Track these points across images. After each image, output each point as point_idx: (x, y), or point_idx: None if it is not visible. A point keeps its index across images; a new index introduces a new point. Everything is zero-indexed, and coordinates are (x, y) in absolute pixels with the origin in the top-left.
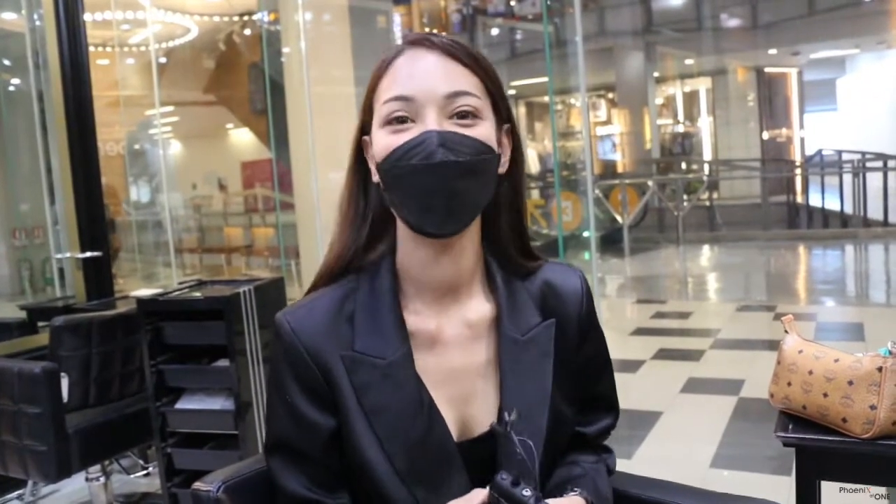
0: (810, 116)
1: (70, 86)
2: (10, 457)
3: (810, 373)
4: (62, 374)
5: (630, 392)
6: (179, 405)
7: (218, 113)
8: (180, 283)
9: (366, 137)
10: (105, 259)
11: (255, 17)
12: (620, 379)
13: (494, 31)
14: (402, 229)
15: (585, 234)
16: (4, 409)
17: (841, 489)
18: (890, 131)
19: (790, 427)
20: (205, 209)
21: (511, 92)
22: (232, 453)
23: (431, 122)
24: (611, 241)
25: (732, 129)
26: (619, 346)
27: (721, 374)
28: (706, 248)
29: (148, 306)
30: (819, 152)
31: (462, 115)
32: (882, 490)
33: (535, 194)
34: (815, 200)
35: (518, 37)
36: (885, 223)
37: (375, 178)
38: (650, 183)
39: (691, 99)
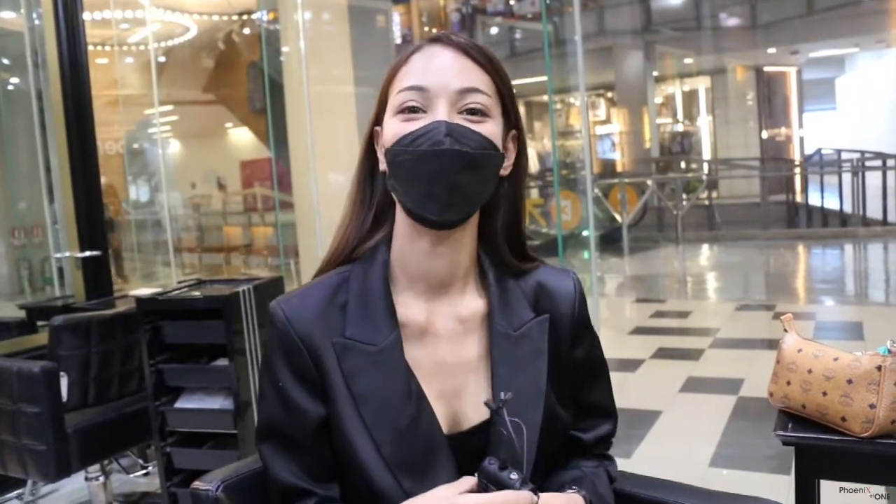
0: (809, 115)
1: (69, 85)
2: (10, 456)
3: (809, 372)
4: (61, 373)
5: (629, 391)
6: (178, 404)
7: (217, 112)
8: (179, 283)
9: (377, 128)
10: (104, 258)
11: (254, 17)
12: (619, 378)
13: (494, 30)
14: (401, 220)
15: (584, 233)
16: (3, 409)
17: (841, 489)
18: (889, 130)
19: (789, 426)
20: (204, 208)
21: None
22: (231, 452)
23: (441, 113)
24: (610, 241)
25: (732, 128)
26: (618, 346)
27: (720, 374)
28: (705, 248)
29: (147, 305)
30: (818, 151)
31: (471, 111)
32: (881, 489)
33: (534, 193)
34: (814, 199)
35: (517, 36)
36: (884, 222)
37: (383, 166)
38: (649, 182)
39: (690, 98)
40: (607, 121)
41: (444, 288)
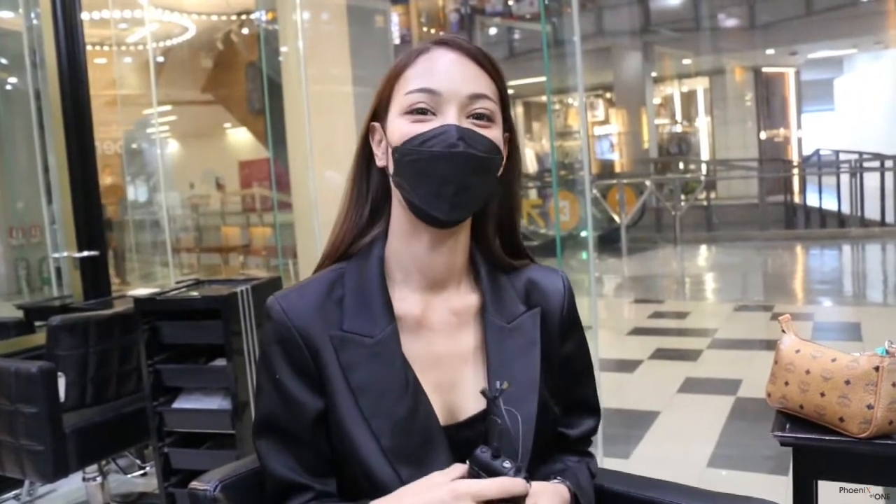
0: (808, 116)
1: (67, 84)
2: (7, 456)
3: (807, 372)
4: (59, 373)
5: (627, 392)
6: (176, 405)
7: (215, 112)
8: (178, 283)
9: (375, 124)
10: (102, 258)
11: (252, 17)
12: (618, 378)
13: (492, 31)
14: (400, 216)
15: (583, 233)
16: (1, 409)
17: (841, 489)
18: (887, 131)
19: (787, 426)
20: (202, 208)
21: (509, 91)
22: (229, 453)
23: (452, 117)
24: (608, 241)
25: (730, 128)
26: (616, 346)
27: (718, 374)
28: (703, 248)
29: (145, 306)
30: (816, 152)
31: (478, 116)
32: (881, 490)
33: (532, 194)
34: (812, 200)
35: (516, 36)
36: (882, 223)
37: (381, 162)
38: (648, 183)
39: (689, 99)
40: (606, 121)
41: (439, 283)
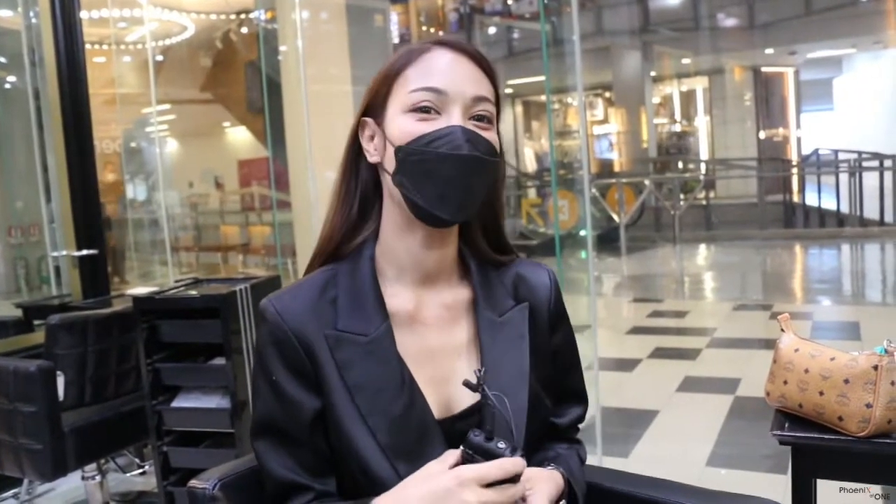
0: (807, 116)
1: (66, 83)
2: (6, 455)
3: (806, 371)
4: (58, 372)
5: (626, 391)
6: (175, 403)
7: (215, 111)
8: (176, 282)
9: (367, 119)
10: (101, 257)
11: (251, 16)
12: (617, 377)
13: (492, 30)
14: (393, 213)
15: (582, 232)
16: (0, 408)
17: (841, 489)
18: (886, 131)
19: (786, 425)
20: (201, 207)
21: (508, 91)
22: (228, 451)
23: (457, 118)
24: (607, 240)
25: (729, 128)
26: (615, 345)
27: (717, 373)
28: (703, 248)
29: (144, 304)
30: (815, 152)
31: (479, 118)
32: (880, 490)
33: (531, 193)
34: (811, 200)
35: (515, 35)
36: (881, 222)
37: (373, 158)
38: (647, 182)
39: (688, 98)
40: (605, 121)
41: (431, 278)
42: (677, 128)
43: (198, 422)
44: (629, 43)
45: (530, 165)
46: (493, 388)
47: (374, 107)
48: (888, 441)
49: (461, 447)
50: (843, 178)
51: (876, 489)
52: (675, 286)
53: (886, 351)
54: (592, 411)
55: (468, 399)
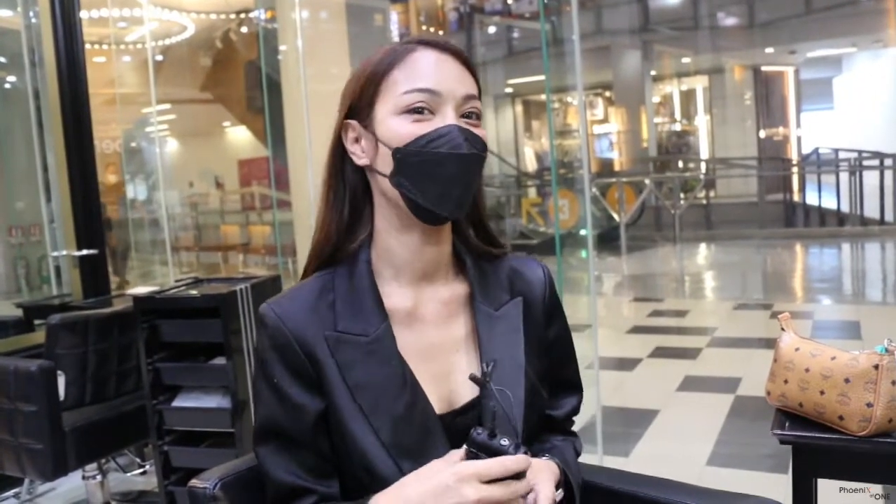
0: (807, 115)
1: (66, 83)
2: (7, 455)
3: (807, 370)
4: (58, 372)
5: (627, 390)
6: (176, 403)
7: (214, 111)
8: (177, 281)
9: (351, 122)
10: (101, 257)
11: (251, 15)
12: (617, 377)
13: (491, 30)
14: (388, 214)
15: (582, 232)
16: (1, 408)
17: (840, 489)
18: (886, 130)
19: (787, 425)
20: (201, 207)
21: (508, 90)
22: (228, 451)
23: (451, 117)
24: (608, 240)
25: (729, 127)
26: (615, 345)
27: (718, 373)
28: (703, 247)
29: (144, 304)
30: (816, 151)
31: (468, 115)
32: (880, 490)
33: (532, 192)
34: (811, 199)
35: (515, 35)
36: (882, 221)
37: (361, 160)
38: (647, 181)
39: (688, 97)
40: (605, 120)
41: (429, 275)
42: (677, 127)
43: (198, 421)
44: (629, 42)
45: (530, 165)
46: (493, 381)
47: (358, 109)
48: (889, 440)
49: (465, 446)
50: (844, 177)
51: (876, 489)
52: (675, 285)
53: (887, 350)
54: (593, 410)
55: (469, 394)
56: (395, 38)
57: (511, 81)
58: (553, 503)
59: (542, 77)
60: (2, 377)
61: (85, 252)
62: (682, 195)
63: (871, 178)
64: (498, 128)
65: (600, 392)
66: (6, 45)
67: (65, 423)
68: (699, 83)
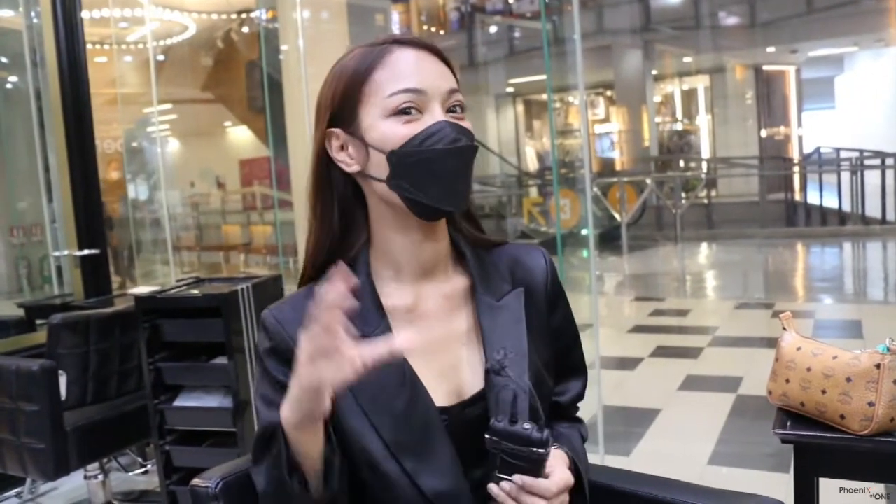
0: (808, 114)
1: (68, 83)
2: (9, 455)
3: (808, 370)
4: (60, 371)
5: (628, 389)
6: (177, 403)
7: (216, 111)
8: (178, 281)
9: (335, 130)
10: (103, 257)
11: (253, 15)
12: (619, 376)
13: (493, 29)
14: (385, 217)
15: (584, 231)
16: (2, 407)
17: (841, 489)
18: (888, 129)
19: (788, 424)
20: (203, 207)
21: (509, 90)
22: (230, 450)
23: (439, 113)
24: (609, 239)
25: (731, 126)
26: (617, 344)
27: (719, 372)
28: (704, 246)
29: (146, 304)
30: (817, 150)
31: (453, 109)
32: (881, 489)
33: (533, 192)
34: (813, 198)
35: (516, 34)
36: (883, 221)
37: (351, 168)
38: (648, 181)
39: (689, 97)
40: (606, 119)
41: (429, 271)
42: (679, 126)
43: (200, 421)
44: (630, 41)
45: (532, 164)
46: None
47: (340, 116)
48: (890, 440)
49: (486, 436)
50: (845, 176)
51: (877, 488)
52: (676, 285)
53: (889, 349)
54: (594, 410)
55: (477, 385)
56: None
57: (512, 81)
58: (568, 486)
59: (543, 76)
60: (4, 377)
61: (86, 252)
62: (683, 194)
63: (872, 178)
64: (499, 127)
65: (602, 391)
66: (8, 46)
67: (66, 422)
68: (700, 82)
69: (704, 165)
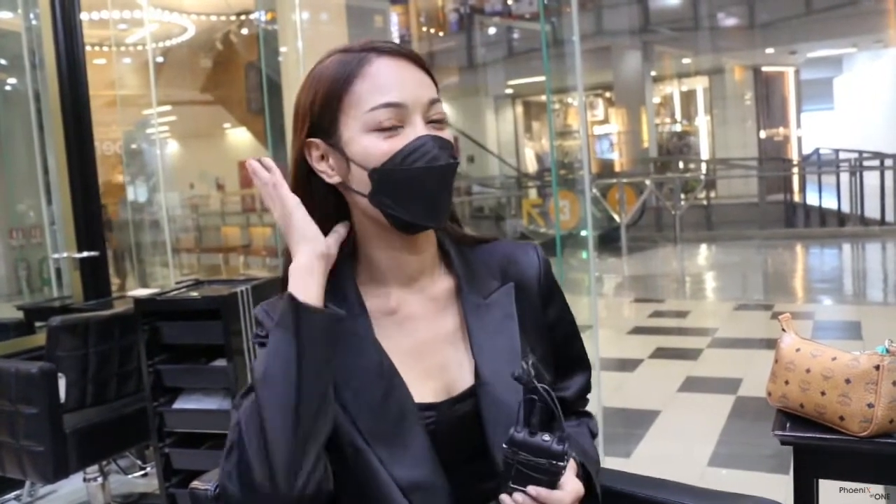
0: (807, 115)
1: (67, 85)
2: (8, 457)
3: (808, 371)
4: (59, 374)
5: (628, 391)
6: (177, 405)
7: (215, 112)
8: (178, 283)
9: (313, 140)
10: (102, 259)
11: (252, 17)
12: (618, 378)
13: (492, 31)
14: (368, 228)
15: (583, 233)
16: (2, 410)
17: (841, 489)
18: (887, 130)
19: (788, 425)
20: (202, 209)
21: (508, 91)
22: None
23: (420, 127)
24: (608, 241)
25: (730, 128)
26: (616, 345)
27: (719, 373)
28: (703, 248)
29: (145, 306)
30: (816, 151)
31: (434, 120)
32: (881, 490)
33: (532, 193)
34: (812, 199)
35: (515, 36)
36: (882, 222)
37: (333, 179)
38: (648, 182)
39: (688, 98)
40: (605, 121)
41: (415, 277)
42: (678, 128)
43: (199, 423)
44: (629, 43)
45: (531, 166)
46: (487, 369)
47: (320, 126)
48: (890, 441)
49: (503, 445)
50: (844, 177)
51: (876, 489)
52: (676, 286)
53: (888, 350)
54: (594, 411)
55: (466, 383)
56: (396, 39)
57: (511, 82)
58: (580, 496)
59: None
60: (3, 379)
61: (85, 254)
62: (682, 196)
63: (871, 179)
64: (498, 129)
65: (601, 393)
66: (7, 47)
67: (66, 425)
68: (699, 84)
69: (703, 167)
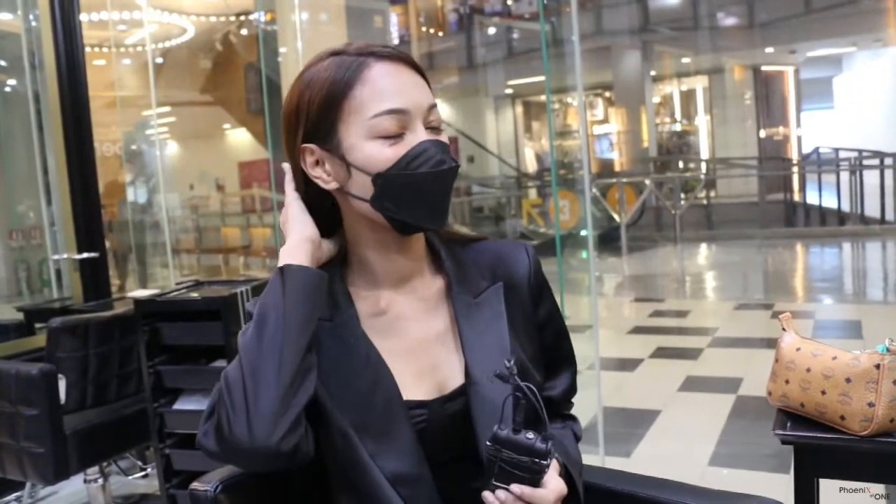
0: (807, 114)
1: (66, 86)
2: (8, 459)
3: (808, 370)
4: (59, 375)
5: (628, 390)
6: (177, 406)
7: (215, 113)
8: (178, 284)
9: (308, 146)
10: (102, 260)
11: (251, 17)
12: (618, 377)
13: (491, 31)
14: (362, 232)
15: (583, 232)
16: (2, 411)
17: (841, 489)
18: (886, 129)
19: (788, 425)
20: (202, 210)
21: (508, 91)
22: None
23: (421, 132)
24: (608, 240)
25: (729, 127)
26: (616, 345)
27: (719, 373)
28: (703, 247)
29: (145, 307)
30: (816, 150)
31: (433, 127)
32: (881, 489)
33: (532, 193)
34: (812, 198)
35: (515, 36)
36: (882, 220)
37: (330, 185)
38: (647, 182)
39: (688, 97)
40: (605, 120)
41: (406, 279)
42: (678, 127)
43: (199, 424)
44: (629, 42)
45: (531, 166)
46: (477, 368)
47: (316, 132)
48: (890, 440)
49: (486, 443)
50: (844, 176)
51: (877, 489)
52: (676, 286)
53: (888, 349)
54: (594, 411)
55: (457, 382)
56: (396, 40)
57: (511, 82)
58: (563, 496)
59: (542, 78)
60: (3, 381)
61: (85, 255)
62: (682, 195)
63: (871, 178)
64: (498, 129)
65: (601, 392)
66: (6, 49)
67: (66, 426)
68: (699, 83)
69: (703, 166)
